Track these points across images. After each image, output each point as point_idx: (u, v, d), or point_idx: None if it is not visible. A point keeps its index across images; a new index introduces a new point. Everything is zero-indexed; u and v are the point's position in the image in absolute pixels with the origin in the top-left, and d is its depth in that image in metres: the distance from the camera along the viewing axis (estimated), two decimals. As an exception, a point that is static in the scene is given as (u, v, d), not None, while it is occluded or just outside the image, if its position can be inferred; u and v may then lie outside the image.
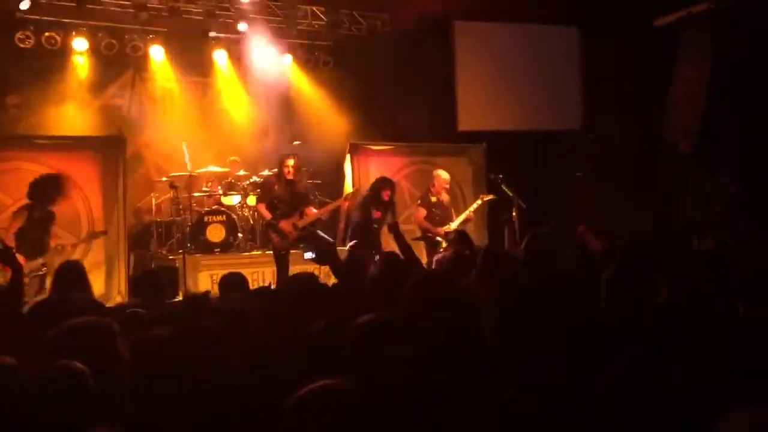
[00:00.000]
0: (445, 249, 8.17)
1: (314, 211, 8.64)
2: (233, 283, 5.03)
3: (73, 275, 5.22)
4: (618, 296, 3.66)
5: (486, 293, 3.57)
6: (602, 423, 2.51)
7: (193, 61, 11.30)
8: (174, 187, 9.64)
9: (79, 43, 10.48)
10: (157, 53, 10.95)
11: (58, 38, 10.31)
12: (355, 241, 7.20)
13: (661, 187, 9.93)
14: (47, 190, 7.30)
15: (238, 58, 11.44)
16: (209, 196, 10.32)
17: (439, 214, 8.91)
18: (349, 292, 4.69)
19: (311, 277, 4.82)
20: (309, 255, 8.66)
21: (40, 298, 6.29)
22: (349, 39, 11.71)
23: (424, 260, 8.18)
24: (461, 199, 10.41)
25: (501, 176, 9.66)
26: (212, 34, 11.21)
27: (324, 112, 11.58)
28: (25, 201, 7.40)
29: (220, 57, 11.37)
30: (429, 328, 3.13)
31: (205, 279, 9.02)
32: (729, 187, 9.01)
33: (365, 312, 2.84)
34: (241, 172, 10.35)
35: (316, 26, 11.56)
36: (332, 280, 6.18)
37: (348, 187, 10.04)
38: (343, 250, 7.55)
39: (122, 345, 2.86)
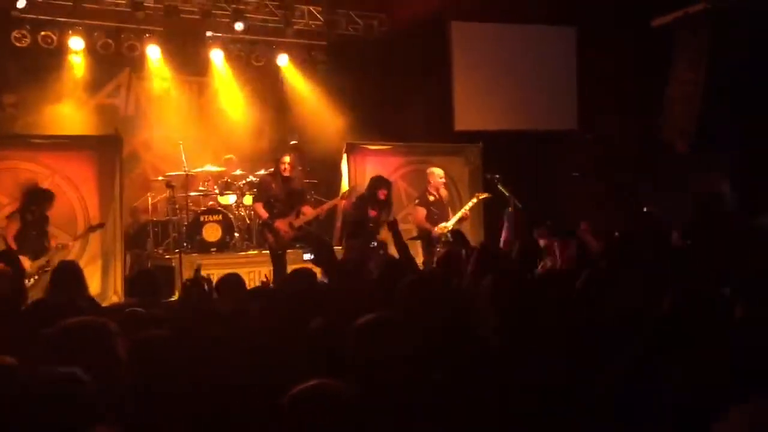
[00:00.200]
0: (441, 248, 8.17)
1: (311, 210, 8.64)
2: (230, 283, 5.02)
3: (69, 275, 5.25)
4: (616, 296, 3.67)
5: (481, 292, 3.56)
6: (602, 423, 2.51)
7: (189, 60, 11.28)
8: (170, 187, 9.65)
9: (76, 43, 10.45)
10: (153, 52, 10.93)
11: (55, 37, 10.28)
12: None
13: (660, 187, 9.93)
14: (36, 195, 7.59)
15: (234, 57, 11.43)
16: (206, 196, 10.31)
17: (437, 213, 8.91)
18: (348, 291, 4.68)
19: (309, 273, 4.82)
20: (308, 256, 8.64)
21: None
22: (346, 39, 11.70)
23: (420, 260, 8.22)
24: (457, 199, 10.39)
25: (497, 176, 9.64)
26: (209, 33, 11.20)
27: (320, 112, 11.56)
28: (16, 204, 7.66)
29: (216, 56, 11.35)
30: (427, 327, 3.13)
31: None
32: (724, 189, 9.02)
33: (365, 312, 2.84)
34: (238, 172, 10.33)
35: (312, 26, 11.55)
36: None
37: (344, 187, 10.03)
38: (339, 250, 7.53)
39: (120, 345, 2.85)
